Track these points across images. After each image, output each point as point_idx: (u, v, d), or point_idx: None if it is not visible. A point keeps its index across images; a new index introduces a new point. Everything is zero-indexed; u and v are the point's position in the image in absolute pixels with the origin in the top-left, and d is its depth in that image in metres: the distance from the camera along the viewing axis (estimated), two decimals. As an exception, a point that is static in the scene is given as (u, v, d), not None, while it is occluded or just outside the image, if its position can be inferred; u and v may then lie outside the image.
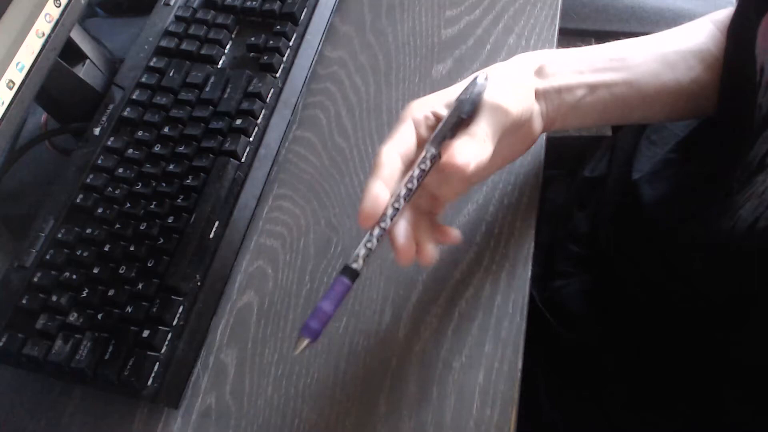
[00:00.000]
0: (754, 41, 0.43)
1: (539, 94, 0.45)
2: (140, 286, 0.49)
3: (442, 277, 0.49)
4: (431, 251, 0.41)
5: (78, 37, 0.59)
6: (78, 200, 0.53)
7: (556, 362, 0.60)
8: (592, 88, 0.47)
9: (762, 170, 0.42)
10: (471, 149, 0.38)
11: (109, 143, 0.55)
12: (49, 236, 0.52)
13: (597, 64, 0.48)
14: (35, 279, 0.50)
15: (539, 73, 0.46)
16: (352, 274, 0.39)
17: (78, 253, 0.51)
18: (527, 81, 0.45)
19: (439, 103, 0.41)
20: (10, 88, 0.49)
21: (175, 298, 0.49)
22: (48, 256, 0.51)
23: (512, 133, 0.42)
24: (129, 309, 0.48)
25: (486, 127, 0.39)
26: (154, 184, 0.53)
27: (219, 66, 0.60)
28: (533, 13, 0.61)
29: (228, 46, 0.61)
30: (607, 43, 0.49)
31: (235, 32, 0.62)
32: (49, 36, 0.52)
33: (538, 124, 0.46)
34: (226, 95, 0.56)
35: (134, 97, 0.58)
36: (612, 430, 0.56)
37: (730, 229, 0.44)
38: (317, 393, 0.46)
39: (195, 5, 0.62)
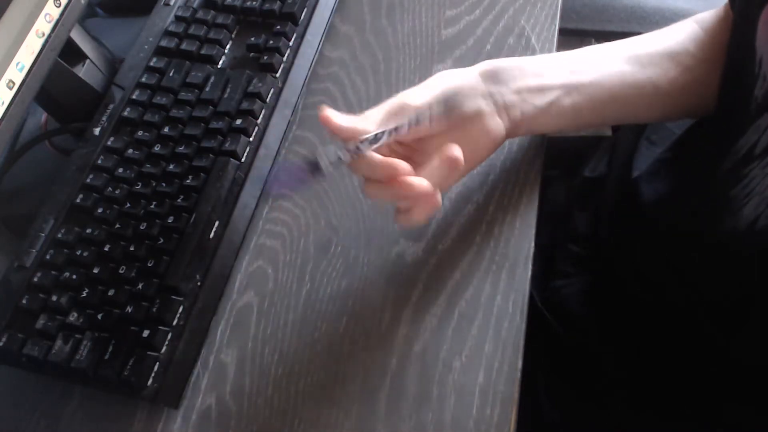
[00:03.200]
0: (755, 33, 0.43)
1: (495, 95, 0.45)
2: (140, 286, 0.49)
3: (442, 277, 0.49)
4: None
5: (78, 37, 0.59)
6: (78, 200, 0.53)
7: (556, 362, 0.60)
8: (564, 89, 0.47)
9: (752, 161, 0.42)
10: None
11: (109, 143, 0.55)
12: (49, 236, 0.52)
13: (566, 67, 0.48)
14: (35, 279, 0.50)
15: (495, 77, 0.46)
16: (313, 167, 0.41)
17: (78, 253, 0.51)
18: (472, 84, 0.45)
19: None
20: (10, 88, 0.49)
21: (175, 298, 0.49)
22: (48, 256, 0.51)
23: (461, 135, 0.44)
24: (129, 309, 0.48)
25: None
26: (154, 184, 0.53)
27: (219, 66, 0.60)
28: (533, 13, 0.61)
29: (228, 46, 0.61)
30: (578, 49, 0.50)
31: (235, 32, 0.62)
32: (49, 36, 0.52)
33: (495, 126, 0.45)
34: (226, 95, 0.56)
35: (134, 97, 0.58)
36: (612, 430, 0.56)
37: (731, 229, 0.44)
38: (317, 393, 0.46)
39: (195, 5, 0.62)
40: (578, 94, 0.47)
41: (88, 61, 0.60)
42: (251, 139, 0.55)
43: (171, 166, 0.54)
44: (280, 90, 0.58)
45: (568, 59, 0.49)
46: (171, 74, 0.58)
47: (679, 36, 0.50)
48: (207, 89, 0.57)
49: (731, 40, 0.47)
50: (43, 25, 0.51)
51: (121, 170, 0.54)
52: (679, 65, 0.49)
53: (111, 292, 0.49)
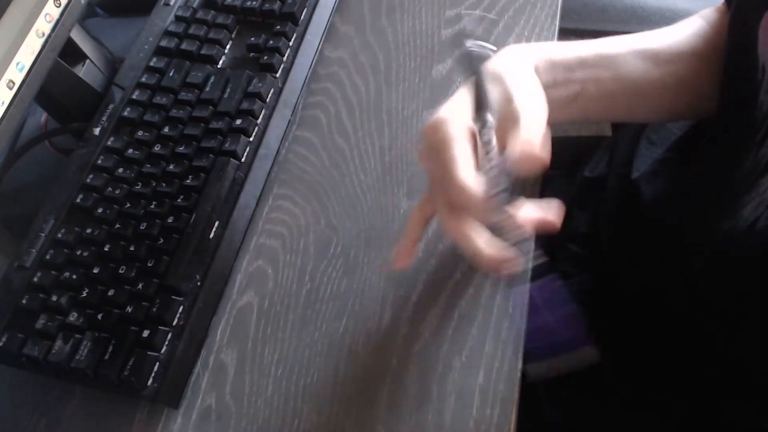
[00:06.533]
0: (756, 40, 0.43)
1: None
2: (140, 286, 0.49)
3: (442, 277, 0.49)
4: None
5: (78, 37, 0.59)
6: (78, 200, 0.53)
7: (556, 362, 0.60)
8: (582, 84, 0.46)
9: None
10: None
11: (109, 143, 0.55)
12: (49, 236, 0.52)
13: (586, 60, 0.47)
14: (35, 279, 0.50)
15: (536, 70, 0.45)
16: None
17: (78, 253, 0.51)
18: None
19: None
20: (10, 88, 0.49)
21: (175, 298, 0.49)
22: (48, 256, 0.51)
23: None
24: (129, 309, 0.48)
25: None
26: (154, 184, 0.53)
27: (219, 66, 0.60)
28: (533, 13, 0.61)
29: (228, 46, 0.61)
30: (593, 40, 0.48)
31: (235, 32, 0.62)
32: (49, 36, 0.52)
33: None
34: (226, 95, 0.56)
35: (134, 97, 0.58)
36: (612, 430, 0.56)
37: (730, 229, 0.44)
38: (317, 393, 0.46)
39: (195, 5, 0.62)
40: (595, 88, 0.46)
41: (88, 61, 0.60)
42: (251, 139, 0.55)
43: (171, 166, 0.54)
44: (280, 90, 0.58)
45: (587, 51, 0.47)
46: (171, 74, 0.58)
47: (688, 33, 0.50)
48: (207, 89, 0.57)
49: (729, 41, 0.47)
50: (43, 25, 0.51)
51: (121, 170, 0.54)
52: (688, 62, 0.48)
53: (111, 292, 0.49)
